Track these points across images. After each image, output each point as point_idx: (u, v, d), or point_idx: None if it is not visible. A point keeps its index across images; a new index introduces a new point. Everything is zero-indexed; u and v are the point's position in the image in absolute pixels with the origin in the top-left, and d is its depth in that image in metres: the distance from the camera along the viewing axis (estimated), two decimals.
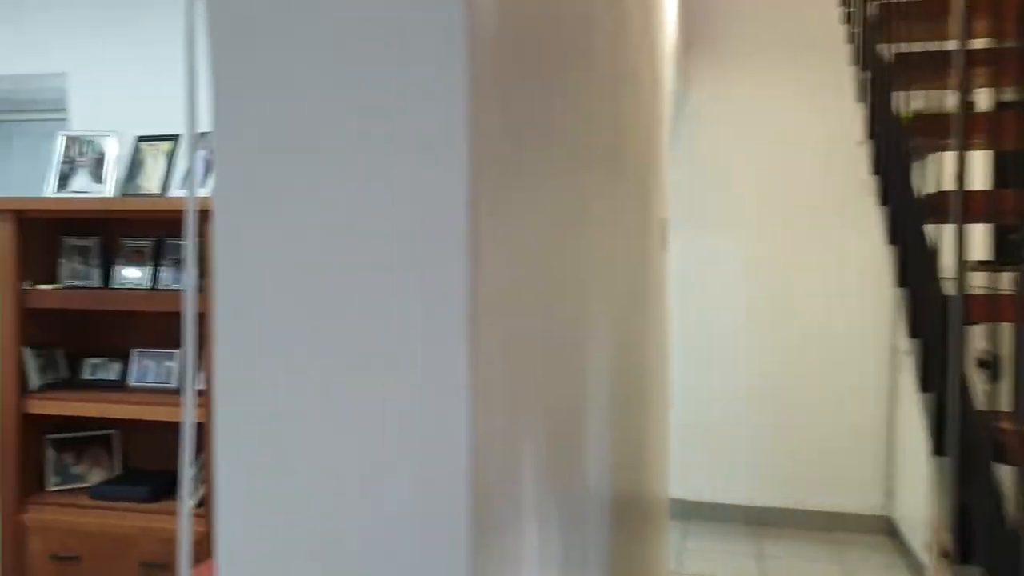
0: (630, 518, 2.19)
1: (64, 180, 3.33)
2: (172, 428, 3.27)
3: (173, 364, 3.28)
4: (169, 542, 3.06)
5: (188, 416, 0.94)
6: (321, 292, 0.80)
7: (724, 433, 4.90)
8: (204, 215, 3.19)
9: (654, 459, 2.94)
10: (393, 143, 0.78)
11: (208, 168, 3.24)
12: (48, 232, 3.27)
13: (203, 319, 3.13)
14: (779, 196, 4.90)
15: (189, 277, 0.94)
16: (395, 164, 0.78)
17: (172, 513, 3.10)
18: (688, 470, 4.77)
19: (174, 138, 3.32)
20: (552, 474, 1.20)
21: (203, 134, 3.31)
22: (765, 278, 4.91)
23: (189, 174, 0.90)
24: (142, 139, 3.35)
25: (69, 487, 3.25)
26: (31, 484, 3.20)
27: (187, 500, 0.92)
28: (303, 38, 0.80)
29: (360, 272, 0.79)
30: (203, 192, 3.17)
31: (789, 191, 4.88)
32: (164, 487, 3.21)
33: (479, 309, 0.80)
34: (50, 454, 3.26)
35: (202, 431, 3.09)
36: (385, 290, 0.79)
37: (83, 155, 3.36)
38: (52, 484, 3.24)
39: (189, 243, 0.94)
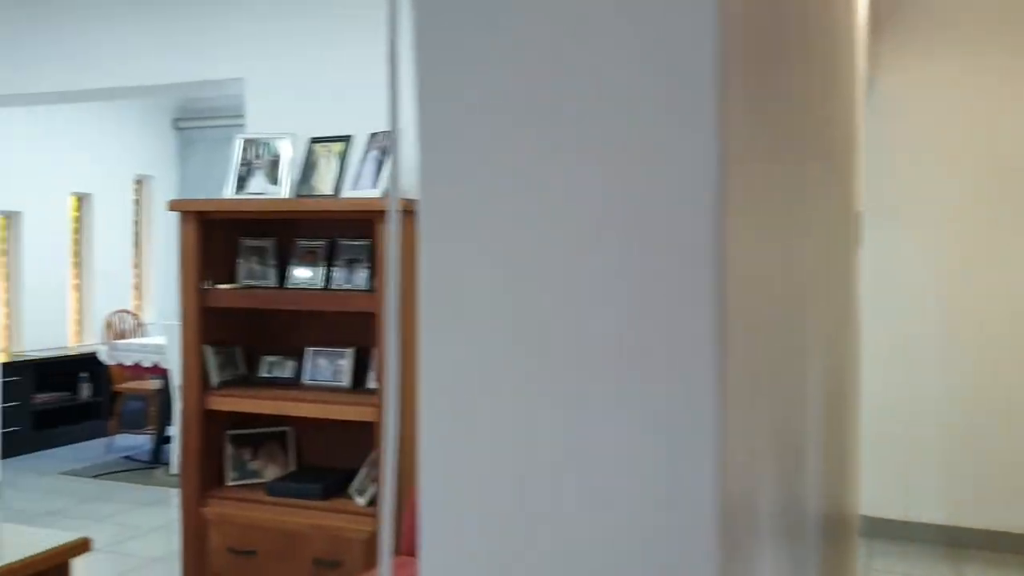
0: (833, 536, 2.02)
1: (242, 182, 3.41)
2: (343, 426, 3.29)
3: (345, 363, 3.29)
4: (340, 540, 3.07)
5: (391, 417, 0.89)
6: (543, 299, 0.73)
7: (915, 446, 4.52)
8: (380, 216, 3.16)
9: (849, 473, 2.72)
10: (630, 142, 0.71)
11: (380, 168, 3.24)
12: (227, 233, 3.36)
13: (373, 319, 3.13)
14: (981, 191, 4.46)
15: (391, 278, 0.88)
16: (632, 164, 0.71)
17: (343, 511, 3.11)
18: (874, 485, 4.41)
19: (346, 139, 3.34)
20: (781, 489, 1.10)
21: (374, 135, 3.31)
22: (964, 279, 4.49)
23: (392, 175, 0.85)
24: (315, 140, 3.39)
25: (246, 482, 3.32)
26: (212, 479, 3.29)
27: (389, 502, 0.88)
28: (520, 30, 0.73)
29: (595, 277, 0.72)
30: (374, 193, 3.17)
31: (992, 186, 4.44)
32: (336, 485, 3.23)
33: (727, 318, 0.71)
34: (229, 450, 3.35)
35: (374, 431, 3.09)
36: (620, 295, 0.71)
37: (259, 158, 3.43)
38: (231, 479, 3.32)
39: (391, 244, 0.88)
